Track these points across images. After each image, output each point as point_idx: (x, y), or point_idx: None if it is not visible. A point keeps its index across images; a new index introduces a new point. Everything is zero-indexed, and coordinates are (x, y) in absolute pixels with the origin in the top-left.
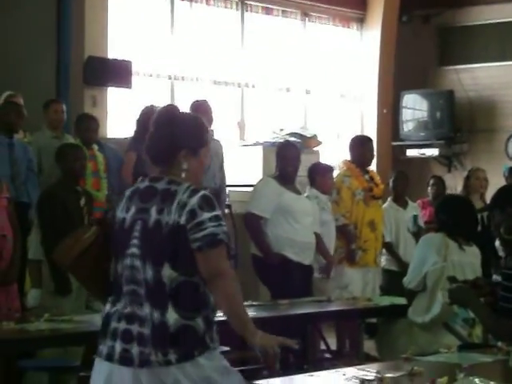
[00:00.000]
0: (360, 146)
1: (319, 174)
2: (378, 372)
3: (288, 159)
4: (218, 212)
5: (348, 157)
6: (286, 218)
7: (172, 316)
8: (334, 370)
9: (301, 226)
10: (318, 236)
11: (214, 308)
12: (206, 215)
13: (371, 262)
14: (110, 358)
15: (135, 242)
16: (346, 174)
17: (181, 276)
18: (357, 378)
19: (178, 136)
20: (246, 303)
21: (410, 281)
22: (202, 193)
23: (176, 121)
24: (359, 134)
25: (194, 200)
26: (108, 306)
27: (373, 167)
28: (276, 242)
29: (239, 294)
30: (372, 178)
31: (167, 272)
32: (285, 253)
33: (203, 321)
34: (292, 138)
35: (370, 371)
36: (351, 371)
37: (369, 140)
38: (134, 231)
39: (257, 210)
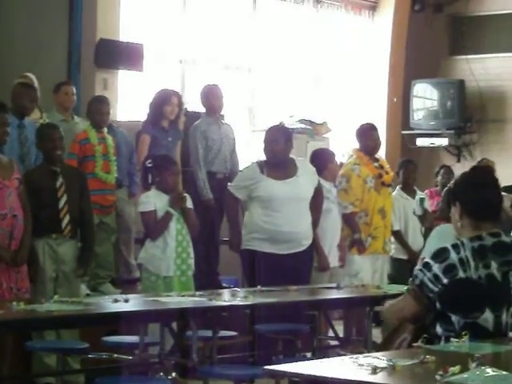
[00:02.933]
0: (363, 134)
1: (330, 161)
2: (389, 360)
3: (265, 143)
4: None
5: (357, 145)
6: (261, 206)
7: None
8: (346, 357)
9: (281, 214)
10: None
11: None
12: None
13: (380, 249)
14: None
15: None
16: (356, 162)
17: None
18: (369, 365)
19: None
20: (254, 289)
21: None
22: None
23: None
24: (365, 122)
25: None
26: None
27: (382, 155)
28: (250, 230)
29: None
30: (382, 166)
31: None
32: (253, 246)
33: None
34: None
35: (381, 359)
36: (363, 358)
37: (372, 128)
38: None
39: (232, 188)
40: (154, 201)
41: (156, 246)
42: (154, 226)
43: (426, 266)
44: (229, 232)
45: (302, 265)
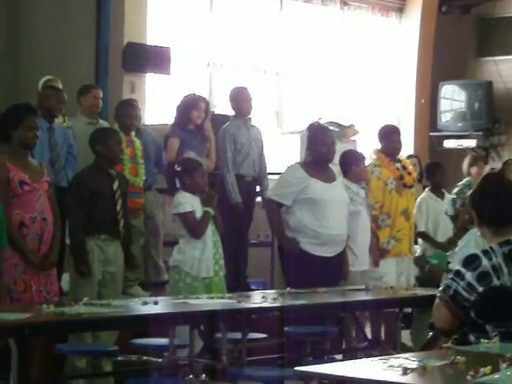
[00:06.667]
0: (385, 136)
1: (354, 163)
2: (420, 361)
3: (328, 145)
4: None
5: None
6: (310, 209)
7: None
8: (376, 358)
9: (327, 216)
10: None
11: None
12: None
13: (406, 250)
14: None
15: None
16: (376, 164)
17: None
18: (399, 366)
19: None
20: (283, 291)
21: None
22: None
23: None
24: (387, 123)
25: None
26: None
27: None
28: (297, 233)
29: None
30: (404, 167)
31: None
32: (302, 244)
33: None
34: (330, 127)
35: (411, 360)
36: (393, 360)
37: (393, 131)
38: None
39: (277, 196)
40: (190, 201)
41: (195, 248)
42: (197, 226)
43: (458, 274)
44: (281, 240)
45: (342, 264)
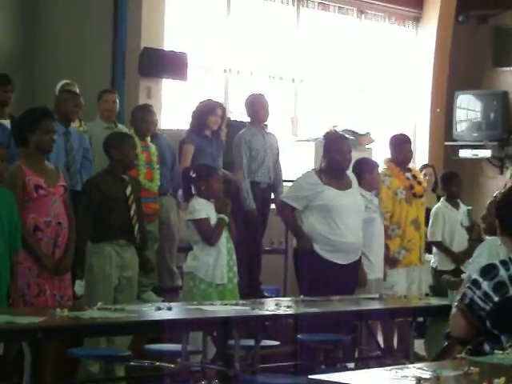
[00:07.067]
0: (395, 146)
1: (368, 171)
2: (434, 371)
3: (344, 153)
4: None
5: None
6: (324, 216)
7: None
8: (389, 368)
9: (341, 224)
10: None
11: None
12: None
13: (416, 260)
14: None
15: None
16: (387, 174)
17: None
18: (413, 376)
19: None
20: (297, 298)
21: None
22: None
23: None
24: (399, 133)
25: None
26: None
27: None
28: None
29: None
30: (415, 176)
31: None
32: (316, 250)
33: None
34: (345, 135)
35: (425, 370)
36: (406, 369)
37: (405, 141)
38: None
39: (288, 199)
40: (206, 208)
41: (209, 254)
42: (211, 233)
43: (475, 283)
44: (297, 240)
45: (357, 273)
